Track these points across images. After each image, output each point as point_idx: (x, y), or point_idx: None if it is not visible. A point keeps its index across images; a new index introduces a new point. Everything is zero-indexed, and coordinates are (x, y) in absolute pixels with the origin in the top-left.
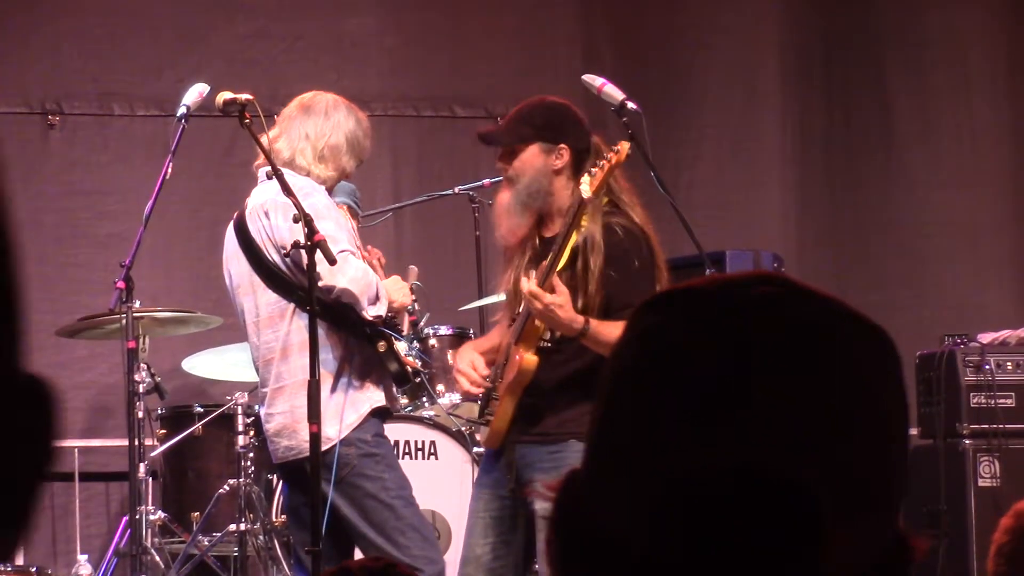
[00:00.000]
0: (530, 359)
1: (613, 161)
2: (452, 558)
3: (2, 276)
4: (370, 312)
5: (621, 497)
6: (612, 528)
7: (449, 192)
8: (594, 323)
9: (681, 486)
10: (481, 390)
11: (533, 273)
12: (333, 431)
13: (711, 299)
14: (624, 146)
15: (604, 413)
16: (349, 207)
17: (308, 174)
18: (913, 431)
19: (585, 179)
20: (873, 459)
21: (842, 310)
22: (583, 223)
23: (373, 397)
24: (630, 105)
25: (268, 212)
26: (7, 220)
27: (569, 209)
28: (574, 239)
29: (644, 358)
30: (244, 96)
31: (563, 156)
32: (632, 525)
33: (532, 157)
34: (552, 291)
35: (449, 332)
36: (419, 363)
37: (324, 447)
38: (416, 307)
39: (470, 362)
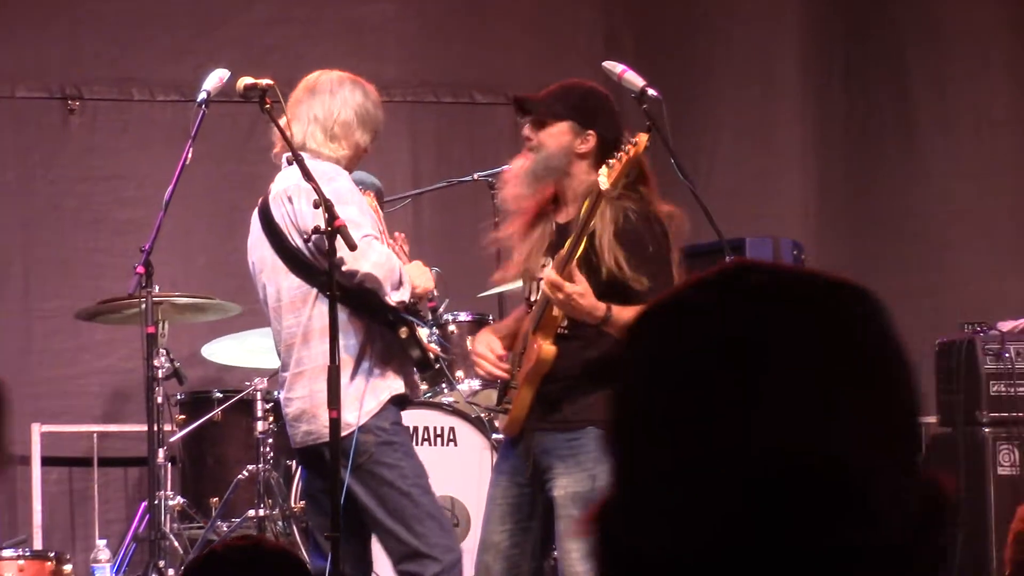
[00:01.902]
0: (549, 349)
1: (631, 154)
2: (471, 544)
3: None
4: (393, 297)
5: (665, 508)
6: (661, 543)
7: (468, 178)
8: (615, 309)
9: (724, 481)
10: (501, 373)
11: (550, 262)
12: (352, 417)
13: (706, 303)
14: (642, 138)
15: (626, 431)
16: (376, 194)
17: (319, 156)
18: (932, 419)
19: (603, 170)
20: (891, 414)
21: (826, 281)
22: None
23: (393, 384)
24: (650, 92)
25: (291, 197)
26: None
27: (587, 198)
28: (592, 228)
29: (653, 374)
30: (265, 81)
31: (589, 141)
32: (681, 533)
33: (560, 134)
34: (571, 279)
35: (468, 318)
36: (440, 349)
37: (343, 433)
38: (435, 293)
39: (488, 345)
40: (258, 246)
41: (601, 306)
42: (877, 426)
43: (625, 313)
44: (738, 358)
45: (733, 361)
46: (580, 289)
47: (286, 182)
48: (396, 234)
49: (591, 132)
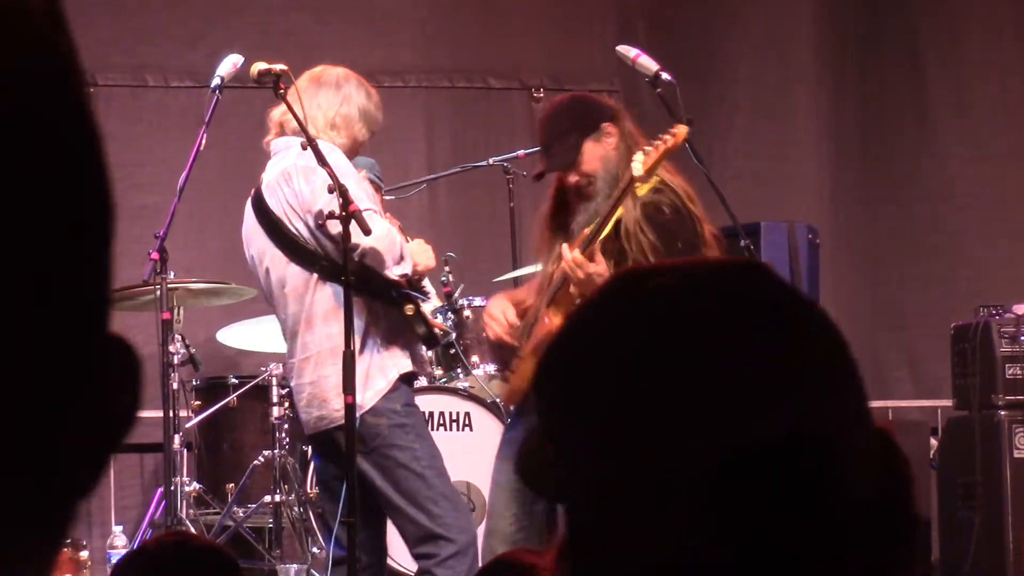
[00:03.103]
0: (560, 323)
1: (670, 144)
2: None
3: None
4: (395, 272)
5: (627, 527)
6: (634, 557)
7: (483, 163)
8: None
9: (678, 483)
10: (509, 340)
11: (574, 242)
12: (360, 398)
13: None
14: (682, 130)
15: (581, 448)
16: (371, 181)
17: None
18: (948, 402)
19: (639, 156)
20: (833, 376)
21: (716, 265)
22: (631, 198)
23: (400, 363)
24: (664, 76)
25: (289, 178)
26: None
27: (619, 183)
28: (619, 213)
29: (579, 404)
30: (279, 67)
31: (611, 133)
32: (650, 544)
33: (591, 153)
34: (592, 259)
35: (483, 303)
36: (447, 325)
37: (354, 415)
38: (451, 278)
39: (502, 309)
40: (255, 238)
41: None
42: (820, 391)
43: None
44: (662, 362)
45: (658, 367)
46: (600, 269)
47: (279, 167)
48: (388, 215)
49: (604, 124)
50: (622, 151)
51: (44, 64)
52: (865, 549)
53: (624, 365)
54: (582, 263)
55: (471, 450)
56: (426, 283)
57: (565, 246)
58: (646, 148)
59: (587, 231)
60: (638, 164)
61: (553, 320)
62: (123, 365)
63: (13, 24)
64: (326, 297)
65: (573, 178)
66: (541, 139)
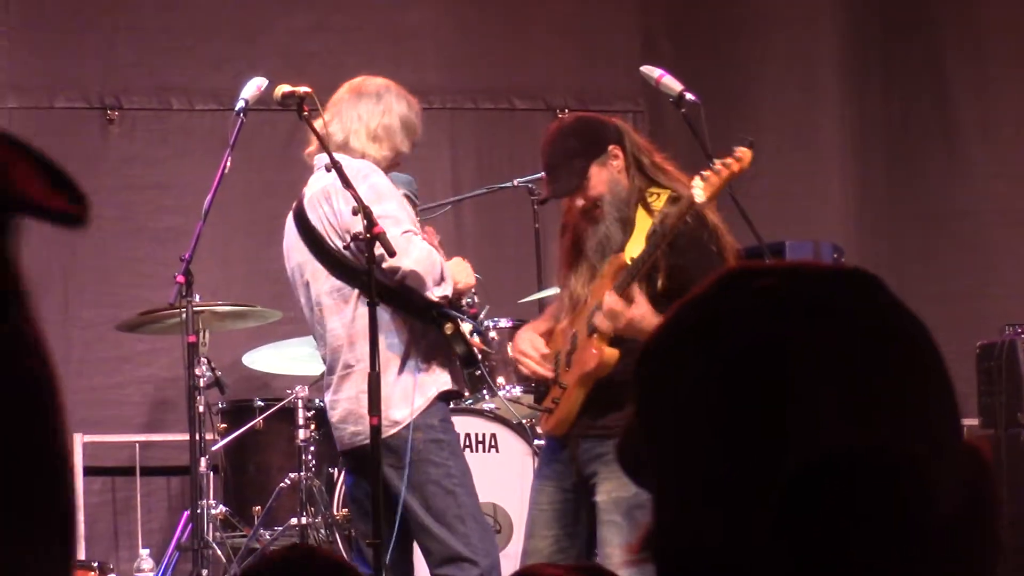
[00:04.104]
0: (611, 352)
1: (735, 169)
2: (514, 551)
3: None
4: (435, 293)
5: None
6: (716, 557)
7: (508, 184)
8: None
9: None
10: (546, 373)
11: (604, 274)
12: (400, 415)
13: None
14: (747, 154)
15: (664, 453)
16: (407, 196)
17: (363, 155)
18: (974, 421)
19: (698, 182)
20: (926, 388)
21: (828, 271)
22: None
23: (440, 380)
24: (688, 96)
25: (329, 196)
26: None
27: (677, 210)
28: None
29: (676, 397)
30: (302, 89)
31: (618, 156)
32: (735, 542)
33: (598, 176)
34: (631, 301)
35: (509, 324)
36: (484, 344)
37: (392, 431)
38: (476, 299)
39: (531, 343)
40: (296, 251)
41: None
42: (916, 405)
43: None
44: (760, 365)
45: (755, 369)
46: (641, 312)
47: (321, 183)
48: (427, 228)
49: (611, 147)
50: (630, 172)
51: None
52: (945, 566)
53: (725, 365)
54: (621, 311)
55: (497, 471)
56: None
57: (607, 295)
58: (704, 173)
59: (624, 271)
60: (699, 191)
61: (604, 348)
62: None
63: None
64: (368, 314)
65: (580, 202)
66: (545, 163)
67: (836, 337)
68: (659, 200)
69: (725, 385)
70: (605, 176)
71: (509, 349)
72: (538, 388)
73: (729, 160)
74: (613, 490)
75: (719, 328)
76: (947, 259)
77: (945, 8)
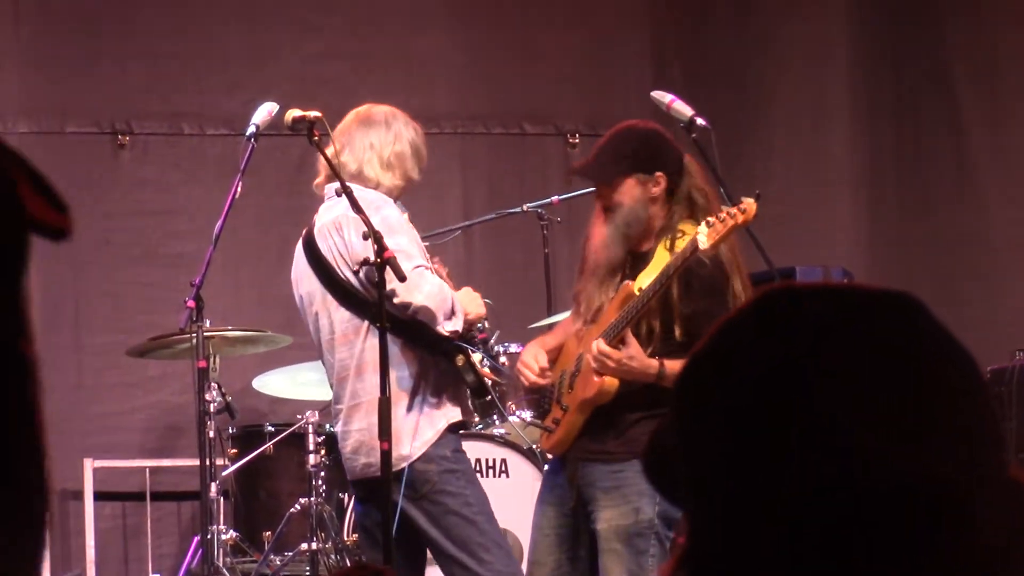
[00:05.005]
0: (611, 382)
1: (739, 220)
2: None
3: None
4: (446, 328)
5: (756, 549)
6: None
7: (518, 210)
8: (668, 364)
9: (815, 511)
10: (541, 382)
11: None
12: (412, 448)
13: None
14: (752, 205)
15: (702, 480)
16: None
17: (377, 185)
18: None
19: (703, 229)
20: (971, 416)
21: (871, 293)
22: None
23: (449, 413)
24: (699, 121)
25: (340, 227)
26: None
27: (664, 236)
28: (670, 282)
29: (717, 420)
30: (313, 113)
31: (660, 183)
32: (777, 570)
33: (630, 189)
34: (623, 342)
35: (519, 350)
36: (494, 375)
37: (401, 465)
38: (486, 325)
39: (534, 356)
40: (305, 279)
41: (654, 364)
42: (962, 432)
43: (678, 366)
44: (803, 387)
45: (798, 391)
46: (632, 352)
47: (332, 213)
48: (435, 259)
49: (659, 174)
50: (671, 205)
51: None
52: None
53: (769, 386)
54: (609, 354)
55: (508, 497)
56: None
57: (595, 343)
58: (710, 220)
59: (619, 314)
60: (704, 237)
61: (605, 378)
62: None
63: None
64: (377, 345)
65: (602, 199)
66: (598, 146)
67: (882, 365)
68: (683, 242)
69: (771, 406)
70: (636, 192)
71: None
72: (541, 404)
73: (734, 211)
74: (613, 518)
75: (767, 348)
76: (958, 284)
77: (957, 35)
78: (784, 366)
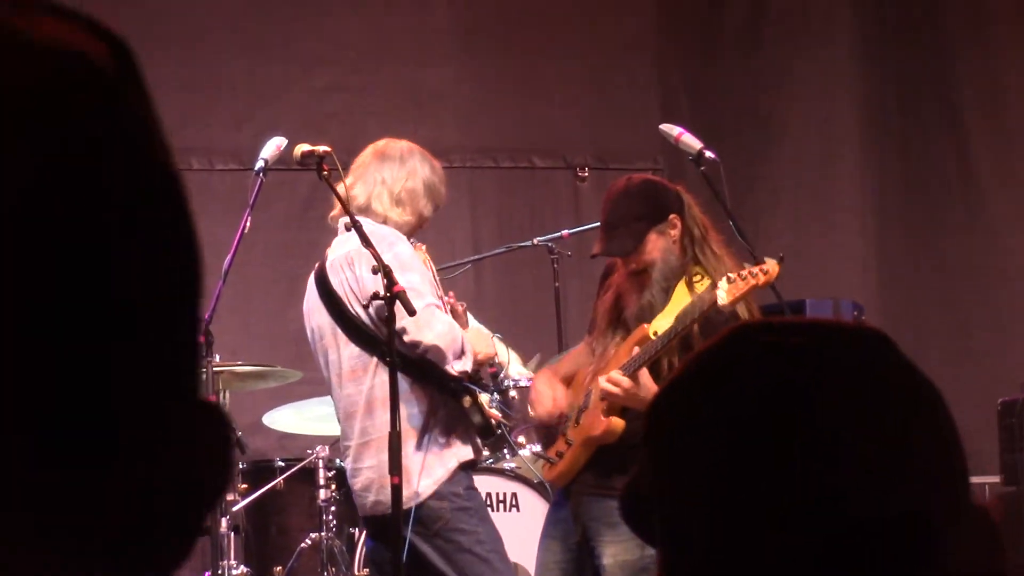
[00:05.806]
0: (618, 423)
1: (760, 282)
2: None
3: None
4: (455, 368)
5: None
6: None
7: (528, 243)
8: None
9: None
10: (552, 421)
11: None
12: (423, 486)
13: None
14: (775, 267)
15: (678, 510)
16: None
17: (385, 220)
18: (995, 478)
19: (723, 284)
20: (940, 448)
21: (842, 328)
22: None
23: (460, 452)
24: (708, 154)
25: (352, 262)
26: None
27: (695, 306)
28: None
29: (689, 450)
30: (322, 148)
31: (676, 225)
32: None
33: (655, 243)
34: (636, 381)
35: (529, 384)
36: (501, 415)
37: (413, 503)
38: (497, 360)
39: (549, 384)
40: (316, 313)
41: None
42: (932, 463)
43: None
44: (806, 402)
45: (800, 405)
46: (642, 382)
47: (345, 248)
48: (450, 294)
49: (672, 216)
50: (683, 243)
51: (113, 119)
52: None
53: (742, 421)
54: (617, 382)
55: (518, 531)
56: (499, 350)
57: (602, 379)
58: (731, 276)
59: (638, 351)
60: (723, 292)
61: (612, 419)
62: (210, 432)
63: (87, 84)
64: (387, 382)
65: (631, 265)
66: (605, 219)
67: (854, 402)
68: (701, 284)
69: (745, 440)
70: (661, 244)
71: (530, 410)
72: (548, 433)
73: (756, 271)
74: (619, 554)
75: (729, 374)
76: (968, 315)
77: (965, 62)
78: (786, 383)
